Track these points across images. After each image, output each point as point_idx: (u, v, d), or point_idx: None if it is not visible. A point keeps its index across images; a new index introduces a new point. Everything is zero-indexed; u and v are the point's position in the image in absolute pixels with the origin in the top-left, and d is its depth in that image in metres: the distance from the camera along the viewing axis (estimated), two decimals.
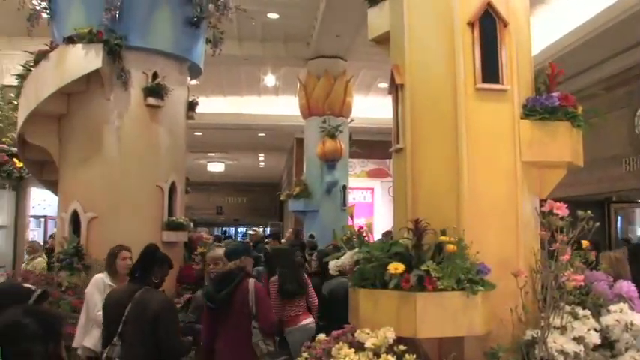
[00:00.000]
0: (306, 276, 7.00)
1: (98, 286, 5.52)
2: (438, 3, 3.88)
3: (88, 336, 5.48)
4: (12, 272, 7.37)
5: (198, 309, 5.38)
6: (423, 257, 3.45)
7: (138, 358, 4.41)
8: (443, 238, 3.46)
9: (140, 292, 4.52)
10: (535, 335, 3.36)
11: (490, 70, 3.74)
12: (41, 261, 9.33)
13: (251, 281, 4.92)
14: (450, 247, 3.37)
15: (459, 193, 3.65)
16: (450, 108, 3.72)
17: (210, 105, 15.59)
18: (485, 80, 3.73)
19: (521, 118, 3.77)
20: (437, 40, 3.83)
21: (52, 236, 11.48)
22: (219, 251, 5.72)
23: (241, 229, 34.96)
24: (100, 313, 5.03)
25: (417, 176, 3.81)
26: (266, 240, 14.38)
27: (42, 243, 11.49)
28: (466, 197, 3.64)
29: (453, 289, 3.29)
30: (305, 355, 3.57)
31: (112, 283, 5.51)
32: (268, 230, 28.20)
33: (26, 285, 2.89)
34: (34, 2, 7.54)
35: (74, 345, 5.56)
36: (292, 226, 19.48)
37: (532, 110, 3.78)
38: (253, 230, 18.62)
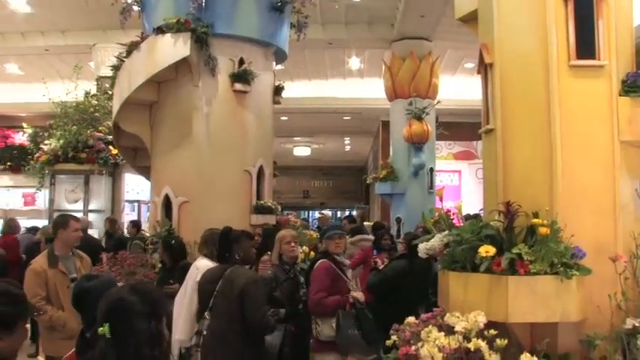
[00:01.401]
0: None
1: None
2: None
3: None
4: (110, 255, 7.65)
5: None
6: (514, 240, 3.38)
7: (223, 331, 4.58)
8: (535, 220, 3.36)
9: (230, 269, 4.74)
10: (637, 324, 3.22)
11: (586, 45, 3.57)
12: None
13: (319, 262, 5.33)
14: (543, 230, 3.26)
15: (553, 175, 3.53)
16: (543, 86, 3.59)
17: (296, 89, 15.72)
18: (580, 56, 3.57)
19: (620, 95, 3.59)
20: (528, 15, 3.70)
21: (107, 219, 11.59)
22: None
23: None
24: None
25: (508, 157, 3.70)
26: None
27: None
28: (560, 179, 3.52)
29: (546, 273, 3.20)
30: (393, 337, 3.56)
31: None
32: (354, 213, 28.23)
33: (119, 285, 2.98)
34: None
35: (180, 337, 5.44)
36: (379, 208, 19.46)
37: (632, 86, 3.58)
38: (321, 214, 18.58)
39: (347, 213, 30.06)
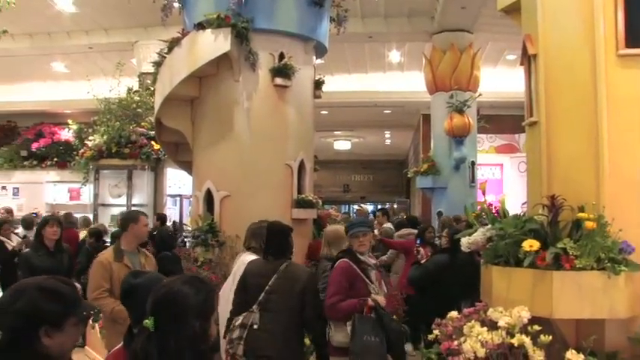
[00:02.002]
0: None
1: None
2: None
3: None
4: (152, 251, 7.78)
5: None
6: (559, 234, 3.32)
7: (282, 326, 4.61)
8: (581, 215, 3.30)
9: (285, 265, 4.77)
10: None
11: (635, 34, 3.46)
12: None
13: (338, 262, 5.01)
14: (589, 224, 3.20)
15: (599, 167, 3.45)
16: (589, 77, 3.51)
17: (336, 83, 15.70)
18: (629, 45, 3.47)
19: None
20: (573, 4, 3.61)
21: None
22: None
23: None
24: None
25: (553, 150, 3.63)
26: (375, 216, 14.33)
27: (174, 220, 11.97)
28: (606, 171, 3.43)
29: (593, 268, 3.14)
30: (436, 332, 3.53)
31: None
32: (395, 207, 28.12)
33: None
34: None
35: None
36: (420, 202, 19.35)
37: None
38: (359, 207, 18.18)
39: (387, 206, 29.99)
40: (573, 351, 3.04)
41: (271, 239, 4.99)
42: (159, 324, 2.30)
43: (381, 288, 5.02)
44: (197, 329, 2.33)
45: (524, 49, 3.85)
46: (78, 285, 5.53)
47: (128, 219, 5.42)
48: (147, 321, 2.30)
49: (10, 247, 8.87)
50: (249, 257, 5.45)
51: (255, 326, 4.64)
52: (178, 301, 2.33)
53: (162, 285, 2.46)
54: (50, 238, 6.37)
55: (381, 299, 4.79)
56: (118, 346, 2.82)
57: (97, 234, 8.89)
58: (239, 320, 4.76)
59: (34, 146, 16.57)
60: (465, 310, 3.56)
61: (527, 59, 3.85)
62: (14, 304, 2.14)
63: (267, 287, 4.69)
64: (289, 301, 4.63)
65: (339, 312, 4.78)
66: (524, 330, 3.10)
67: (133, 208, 12.00)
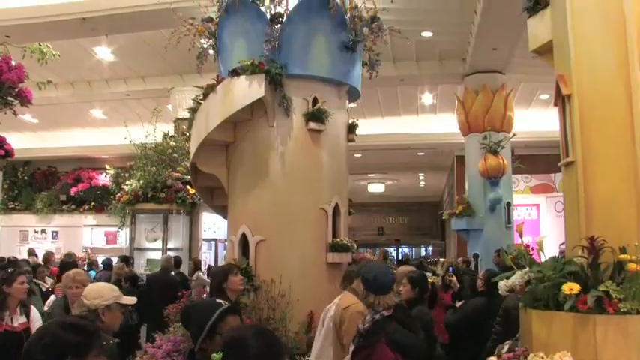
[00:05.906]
0: None
1: None
2: (606, 3, 3.64)
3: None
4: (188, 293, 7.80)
5: None
6: (600, 277, 3.24)
7: None
8: (623, 256, 3.22)
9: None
10: None
11: None
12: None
13: None
14: (632, 265, 3.13)
15: None
16: (625, 114, 3.47)
17: (369, 126, 15.77)
18: None
19: None
20: (606, 43, 3.60)
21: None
22: None
23: (403, 250, 34.53)
24: None
25: (590, 190, 3.57)
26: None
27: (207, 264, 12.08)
28: None
29: (638, 312, 3.03)
30: None
31: None
32: (430, 250, 27.89)
33: (219, 300, 3.15)
34: (202, 42, 8.02)
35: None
36: (455, 245, 19.14)
37: None
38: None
39: (423, 249, 29.74)
40: None
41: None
42: None
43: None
44: None
45: (558, 90, 3.83)
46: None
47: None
48: (216, 355, 2.38)
49: (44, 289, 9.04)
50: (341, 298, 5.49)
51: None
52: (244, 348, 2.38)
53: (239, 327, 2.62)
54: (237, 289, 5.67)
55: None
56: None
57: (133, 279, 8.97)
58: (504, 348, 4.99)
59: (73, 191, 16.96)
60: (505, 355, 3.48)
61: (561, 100, 3.82)
62: (41, 340, 2.34)
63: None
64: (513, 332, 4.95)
65: None
66: None
67: (169, 253, 12.12)
